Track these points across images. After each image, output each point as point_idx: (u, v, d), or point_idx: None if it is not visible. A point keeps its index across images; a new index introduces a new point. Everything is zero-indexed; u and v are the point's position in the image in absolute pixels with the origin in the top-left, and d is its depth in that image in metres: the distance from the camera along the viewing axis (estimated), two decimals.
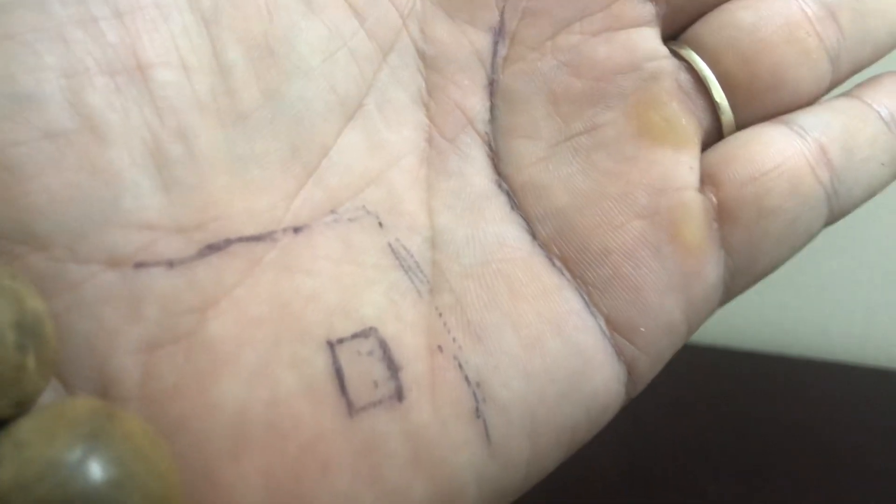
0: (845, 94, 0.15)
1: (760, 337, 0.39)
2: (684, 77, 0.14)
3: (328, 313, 0.12)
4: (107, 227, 0.11)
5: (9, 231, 0.11)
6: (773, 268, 0.14)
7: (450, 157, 0.14)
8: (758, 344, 0.38)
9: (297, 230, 0.13)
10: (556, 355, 0.13)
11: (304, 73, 0.13)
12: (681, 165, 0.14)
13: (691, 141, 0.14)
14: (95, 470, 0.09)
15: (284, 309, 0.12)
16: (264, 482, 0.11)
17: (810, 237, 0.14)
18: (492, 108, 0.14)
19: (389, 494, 0.12)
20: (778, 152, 0.14)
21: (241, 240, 0.12)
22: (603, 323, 0.13)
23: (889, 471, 0.31)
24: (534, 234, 0.14)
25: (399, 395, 0.12)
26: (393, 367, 0.12)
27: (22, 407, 0.10)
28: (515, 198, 0.14)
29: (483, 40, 0.14)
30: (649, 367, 0.14)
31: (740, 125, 0.14)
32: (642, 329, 0.13)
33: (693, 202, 0.14)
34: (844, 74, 0.15)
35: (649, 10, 0.14)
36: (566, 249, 0.14)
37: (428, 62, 0.14)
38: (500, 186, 0.14)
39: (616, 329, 0.13)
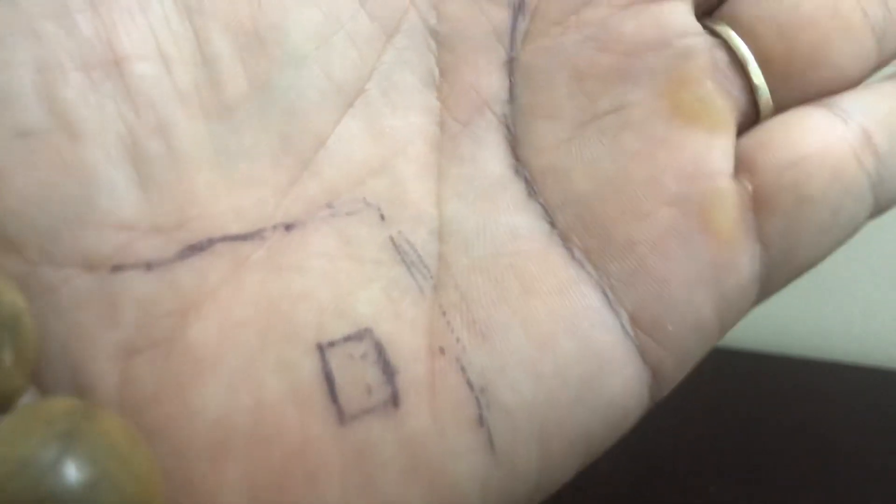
0: (892, 77, 0.14)
1: (760, 337, 0.39)
2: (719, 55, 0.14)
3: (319, 314, 0.12)
4: (82, 228, 0.12)
5: None
6: (813, 262, 0.14)
7: (463, 141, 0.14)
8: (758, 344, 0.38)
9: (288, 227, 0.13)
10: (569, 356, 0.12)
11: (297, 61, 0.13)
12: (714, 149, 0.13)
13: (727, 123, 0.14)
14: (70, 469, 0.10)
15: (272, 310, 0.12)
16: (247, 491, 0.11)
17: (854, 229, 0.14)
18: (511, 88, 0.14)
19: None
20: (819, 137, 0.13)
21: (225, 239, 0.12)
22: (626, 320, 0.13)
23: (889, 471, 0.31)
24: (553, 224, 0.13)
25: (395, 401, 0.12)
26: (388, 371, 0.12)
27: None
28: (534, 184, 0.14)
29: (501, 15, 0.14)
30: (676, 369, 0.13)
31: (778, 108, 0.14)
32: (669, 327, 0.13)
33: (727, 189, 0.13)
34: (891, 54, 0.14)
35: None
36: (587, 240, 0.13)
37: (440, 41, 0.14)
38: (517, 172, 0.14)
39: (640, 327, 0.13)
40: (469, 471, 0.12)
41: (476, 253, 0.13)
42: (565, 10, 0.14)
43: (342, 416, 0.12)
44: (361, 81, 0.14)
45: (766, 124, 0.14)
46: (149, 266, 0.12)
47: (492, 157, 0.14)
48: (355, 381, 0.12)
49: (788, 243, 0.13)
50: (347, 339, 0.12)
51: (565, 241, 0.13)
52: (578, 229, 0.13)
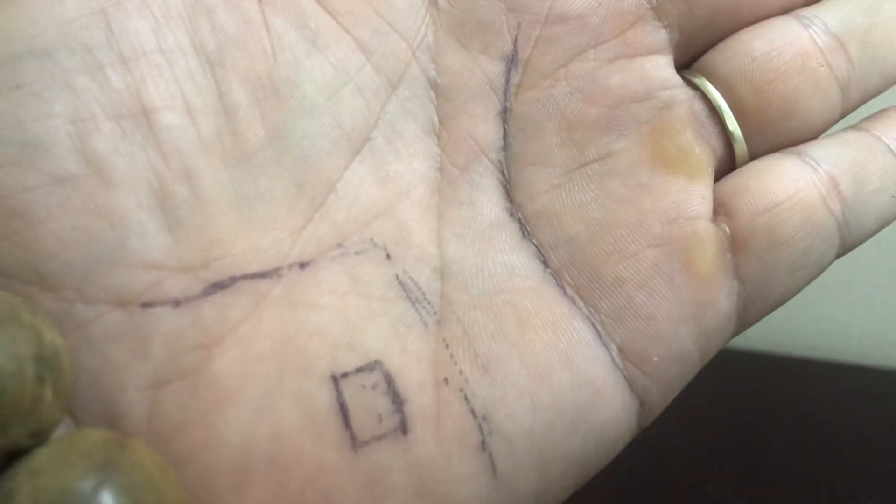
0: (854, 127, 0.15)
1: (760, 337, 0.39)
2: (698, 106, 0.15)
3: (332, 347, 0.13)
4: (113, 268, 0.12)
5: (18, 273, 0.12)
6: (786, 298, 0.15)
7: (461, 186, 0.15)
8: (758, 344, 0.39)
9: (302, 265, 0.13)
10: (564, 387, 0.13)
11: (309, 111, 0.14)
12: (694, 195, 0.14)
13: (705, 170, 0.15)
14: (107, 499, 0.10)
15: (288, 344, 0.13)
16: None
17: (823, 268, 0.15)
18: (505, 136, 0.15)
19: None
20: (790, 183, 0.14)
21: (245, 277, 0.13)
22: (615, 353, 0.14)
23: (889, 471, 0.31)
24: (546, 263, 0.14)
25: (404, 428, 0.13)
26: (398, 401, 0.13)
27: (38, 437, 0.11)
28: (528, 226, 0.15)
29: (496, 68, 0.15)
30: (661, 398, 0.14)
31: (752, 154, 0.15)
32: (655, 359, 0.14)
33: (706, 232, 0.14)
34: (854, 104, 0.15)
35: (663, 38, 0.15)
36: (579, 278, 0.14)
37: (440, 92, 0.15)
38: (511, 215, 0.15)
39: (628, 359, 0.14)
40: (473, 494, 0.13)
41: (475, 290, 0.14)
42: (555, 63, 0.15)
43: (355, 443, 0.12)
44: (368, 130, 0.14)
45: (741, 170, 0.15)
46: (176, 303, 0.12)
47: (488, 201, 0.15)
48: (367, 409, 0.13)
49: (763, 281, 0.14)
50: (359, 370, 0.13)
51: (558, 279, 0.14)
52: (570, 268, 0.14)
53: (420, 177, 0.15)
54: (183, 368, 0.12)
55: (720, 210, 0.14)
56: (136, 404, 0.12)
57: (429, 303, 0.14)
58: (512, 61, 0.15)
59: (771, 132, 0.15)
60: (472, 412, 0.13)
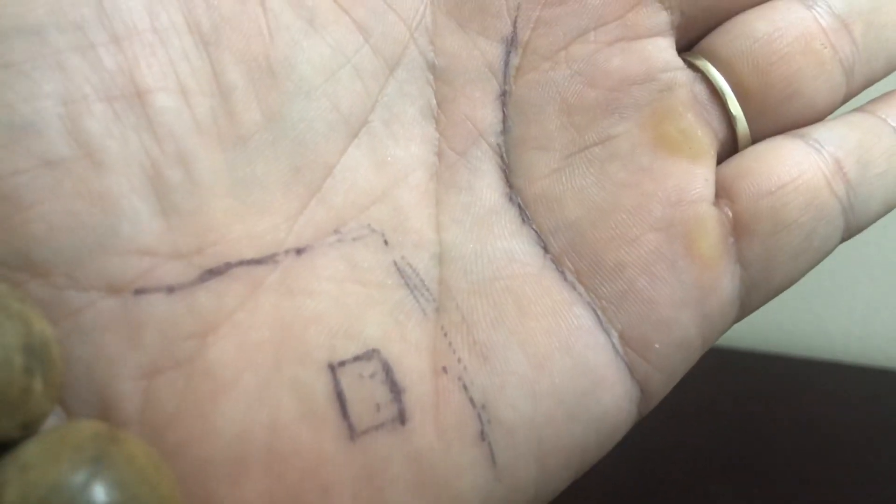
0: (859, 109, 0.15)
1: (760, 337, 0.39)
2: (699, 88, 0.15)
3: (330, 335, 0.13)
4: (106, 254, 0.12)
5: (8, 259, 0.11)
6: (789, 283, 0.14)
7: (460, 170, 0.14)
8: (758, 344, 0.39)
9: (299, 251, 0.13)
10: (564, 375, 0.13)
11: (306, 93, 0.13)
12: (696, 178, 0.14)
13: (707, 153, 0.14)
14: (99, 493, 0.10)
15: (285, 332, 0.12)
16: None
17: (827, 252, 0.14)
18: (504, 120, 0.15)
19: None
20: (794, 166, 0.14)
21: (241, 263, 0.13)
22: (616, 339, 0.13)
23: (889, 471, 0.31)
24: (546, 248, 0.14)
25: (402, 418, 0.12)
26: (396, 390, 0.13)
27: (28, 429, 0.10)
28: (528, 211, 0.14)
29: (495, 51, 0.15)
30: (662, 385, 0.14)
31: (755, 137, 0.15)
32: (656, 345, 0.13)
33: (708, 215, 0.14)
34: (858, 86, 0.15)
35: (664, 20, 0.15)
36: (579, 263, 0.14)
37: (438, 74, 0.15)
38: (511, 199, 0.14)
39: (629, 346, 0.13)
40: (472, 484, 0.12)
41: (474, 277, 0.14)
42: (555, 45, 0.14)
43: (353, 433, 0.12)
44: (366, 113, 0.14)
45: (744, 153, 0.15)
46: (170, 290, 0.12)
47: (487, 186, 0.14)
48: (365, 399, 0.12)
49: (766, 265, 0.14)
50: (357, 359, 0.12)
51: (558, 264, 0.14)
52: (570, 253, 0.14)
53: (418, 161, 0.14)
54: (177, 357, 0.12)
55: (722, 193, 0.14)
56: (129, 394, 0.12)
57: (427, 290, 0.13)
58: (511, 43, 0.15)
59: (773, 114, 0.15)
60: (472, 401, 0.13)
